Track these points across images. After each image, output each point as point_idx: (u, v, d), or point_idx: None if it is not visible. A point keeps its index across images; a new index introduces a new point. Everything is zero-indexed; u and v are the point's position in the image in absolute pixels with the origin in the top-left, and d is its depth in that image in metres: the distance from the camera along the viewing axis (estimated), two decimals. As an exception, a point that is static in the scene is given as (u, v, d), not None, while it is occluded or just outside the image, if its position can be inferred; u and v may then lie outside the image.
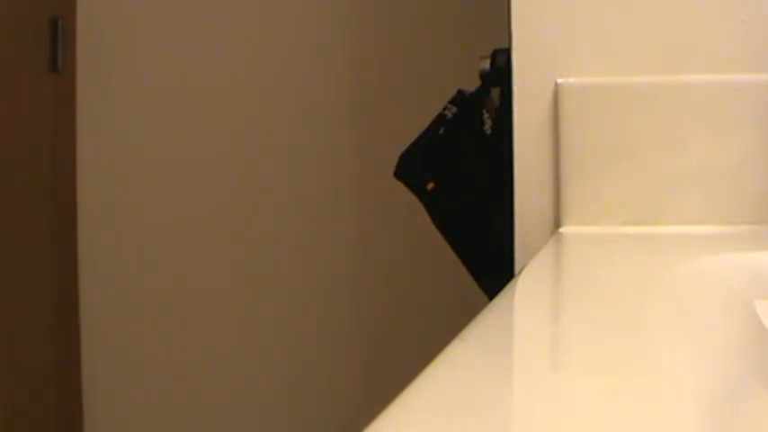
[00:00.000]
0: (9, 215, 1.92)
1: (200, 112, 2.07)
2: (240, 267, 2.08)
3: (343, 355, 2.05)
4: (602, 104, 0.93)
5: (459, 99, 1.29)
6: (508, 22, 0.96)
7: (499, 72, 1.16)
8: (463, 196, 1.27)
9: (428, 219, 1.31)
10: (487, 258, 1.23)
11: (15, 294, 1.93)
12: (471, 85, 1.27)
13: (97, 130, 2.09)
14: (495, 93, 1.20)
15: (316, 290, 2.06)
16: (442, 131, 1.29)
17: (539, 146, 0.95)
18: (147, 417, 2.10)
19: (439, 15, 1.99)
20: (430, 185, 1.29)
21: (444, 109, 1.30)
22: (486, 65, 1.21)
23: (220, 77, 2.07)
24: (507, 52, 0.98)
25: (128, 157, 2.09)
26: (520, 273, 0.74)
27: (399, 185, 1.33)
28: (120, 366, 2.10)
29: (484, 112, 1.21)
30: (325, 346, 2.06)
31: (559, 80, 0.94)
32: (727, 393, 0.48)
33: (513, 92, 0.96)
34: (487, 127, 1.20)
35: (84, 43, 2.08)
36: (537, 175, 0.95)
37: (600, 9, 0.94)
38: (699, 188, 0.92)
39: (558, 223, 0.95)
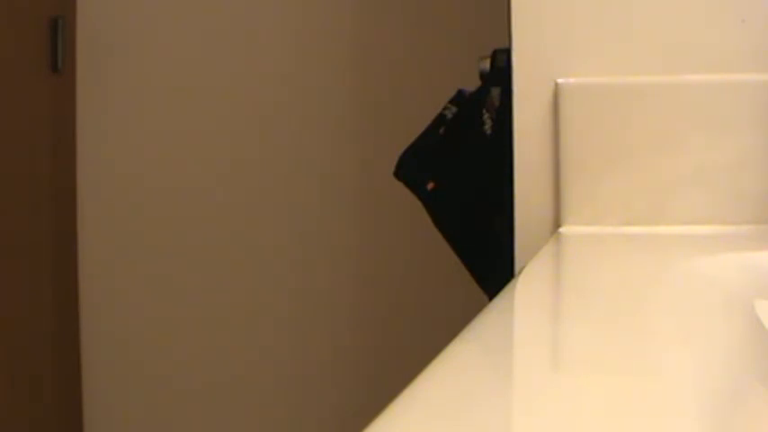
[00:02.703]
0: (9, 215, 1.92)
1: (201, 112, 2.07)
2: (240, 267, 2.08)
3: (342, 355, 2.05)
4: (602, 104, 0.93)
5: (459, 99, 1.29)
6: (508, 22, 0.96)
7: (499, 72, 1.16)
8: (463, 196, 1.27)
9: (428, 219, 1.31)
10: (487, 258, 1.23)
11: (15, 294, 1.93)
12: (471, 85, 1.27)
13: (97, 130, 2.09)
14: (495, 93, 1.20)
15: (315, 290, 2.06)
16: (442, 131, 1.29)
17: (539, 146, 0.95)
18: (146, 417, 2.10)
19: (439, 15, 1.99)
20: (430, 185, 1.29)
21: (444, 109, 1.30)
22: (486, 65, 1.21)
23: (220, 77, 2.07)
24: (507, 52, 0.98)
25: (128, 157, 2.09)
26: (520, 273, 0.74)
27: (399, 185, 1.33)
28: (120, 366, 2.10)
29: (484, 112, 1.21)
30: (325, 345, 2.06)
31: (559, 80, 0.94)
32: (727, 393, 0.48)
33: (513, 92, 0.96)
34: (487, 127, 1.20)
35: (84, 43, 2.08)
36: (537, 175, 0.95)
37: (600, 9, 0.94)
38: (699, 188, 0.92)
39: (558, 223, 0.95)
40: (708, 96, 0.92)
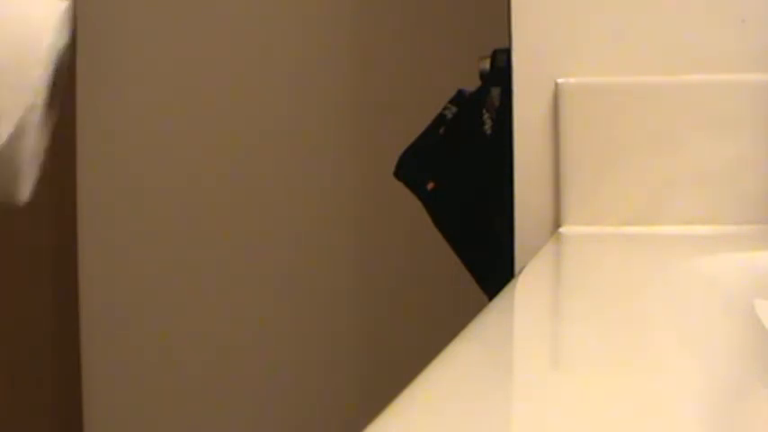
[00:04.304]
0: (9, 215, 1.91)
1: (201, 112, 2.07)
2: (240, 268, 2.08)
3: (342, 355, 2.05)
4: (602, 104, 0.93)
5: (459, 99, 1.29)
6: (508, 22, 0.96)
7: (499, 72, 1.16)
8: (463, 196, 1.27)
9: (428, 219, 1.31)
10: (487, 258, 1.23)
11: (15, 294, 1.93)
12: (471, 85, 1.27)
13: (97, 130, 2.09)
14: (495, 93, 1.20)
15: (315, 289, 2.06)
16: (442, 131, 1.29)
17: (539, 146, 0.95)
18: (146, 417, 2.10)
19: (439, 15, 1.99)
20: (430, 185, 1.29)
21: (444, 109, 1.30)
22: (486, 65, 1.21)
23: (221, 78, 2.07)
24: (507, 52, 0.98)
25: (128, 156, 2.09)
26: (520, 273, 0.74)
27: (399, 185, 1.33)
28: (120, 366, 2.10)
29: (484, 112, 1.21)
30: (324, 345, 2.06)
31: (559, 80, 0.94)
32: (727, 393, 0.48)
33: (513, 92, 0.96)
34: (487, 127, 1.20)
35: (85, 43, 2.08)
36: (537, 175, 0.95)
37: (600, 9, 0.94)
38: (698, 188, 0.92)
39: (558, 223, 0.95)
40: (708, 96, 0.92)
